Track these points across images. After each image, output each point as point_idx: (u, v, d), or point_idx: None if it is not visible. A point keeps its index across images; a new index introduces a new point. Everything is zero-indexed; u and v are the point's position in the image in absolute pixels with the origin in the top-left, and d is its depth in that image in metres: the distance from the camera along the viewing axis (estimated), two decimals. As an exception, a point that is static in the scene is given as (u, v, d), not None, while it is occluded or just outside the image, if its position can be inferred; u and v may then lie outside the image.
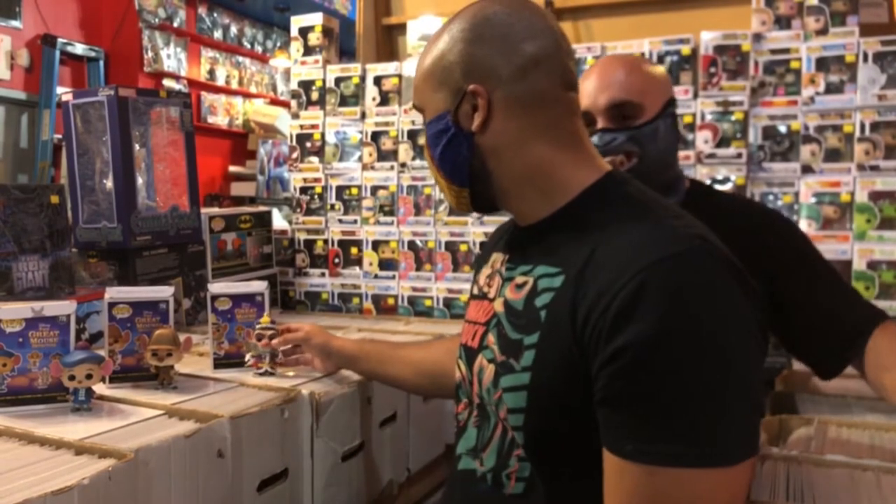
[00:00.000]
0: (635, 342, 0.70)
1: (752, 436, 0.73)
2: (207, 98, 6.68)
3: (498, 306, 0.91)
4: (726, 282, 0.74)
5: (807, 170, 1.88)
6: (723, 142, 1.94)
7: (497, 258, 0.99)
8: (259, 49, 7.36)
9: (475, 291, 1.02)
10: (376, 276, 2.32)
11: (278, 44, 7.48)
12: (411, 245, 2.27)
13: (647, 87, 1.29)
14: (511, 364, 0.84)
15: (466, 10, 0.92)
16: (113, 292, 1.40)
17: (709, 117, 1.96)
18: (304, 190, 2.43)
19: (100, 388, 1.29)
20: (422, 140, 2.25)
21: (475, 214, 2.12)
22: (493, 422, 0.90)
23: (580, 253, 0.81)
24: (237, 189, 6.60)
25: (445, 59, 0.91)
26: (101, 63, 5.82)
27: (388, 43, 2.75)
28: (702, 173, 1.96)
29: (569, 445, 0.81)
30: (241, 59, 7.14)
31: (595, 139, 1.30)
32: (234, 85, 7.02)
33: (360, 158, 2.36)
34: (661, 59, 2.02)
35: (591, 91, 1.31)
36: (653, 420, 0.71)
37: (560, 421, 0.81)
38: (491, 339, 0.90)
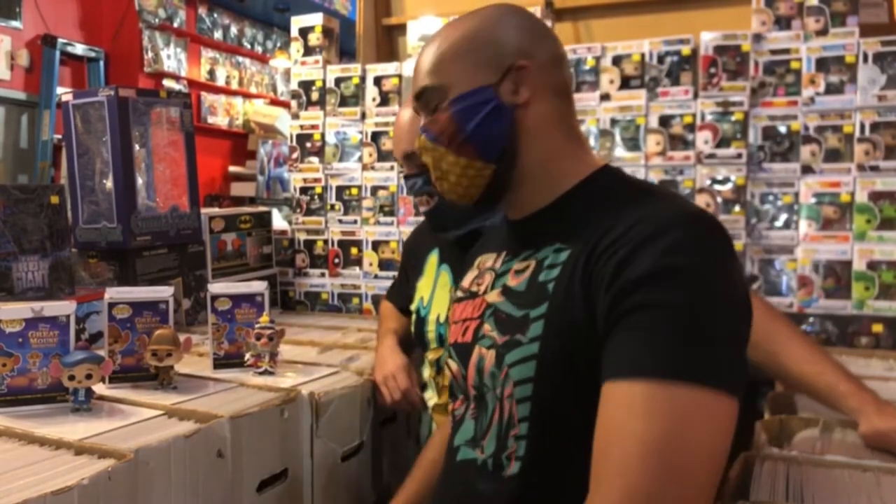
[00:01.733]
0: (651, 272, 0.76)
1: (744, 375, 0.77)
2: (207, 98, 6.67)
3: (492, 297, 0.95)
4: (725, 243, 0.82)
5: (807, 170, 1.88)
6: (723, 142, 1.94)
7: (487, 258, 1.03)
8: (259, 49, 7.36)
9: (459, 295, 1.05)
10: (376, 277, 2.32)
11: (278, 44, 7.48)
12: (411, 245, 2.27)
13: None
14: (517, 339, 0.87)
15: (489, 5, 0.98)
16: (113, 292, 1.40)
17: (709, 118, 1.96)
18: (304, 190, 2.43)
19: (100, 388, 1.30)
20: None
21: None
22: (491, 408, 0.91)
23: (586, 231, 0.86)
24: (237, 189, 6.60)
25: (489, 35, 0.94)
26: (101, 63, 5.82)
27: (389, 43, 2.75)
28: (702, 173, 1.96)
29: (575, 410, 0.83)
30: (241, 59, 7.14)
31: (406, 183, 1.55)
32: (235, 85, 7.02)
33: (360, 159, 2.36)
34: (661, 60, 2.02)
35: (394, 141, 1.55)
36: (667, 342, 0.74)
37: (568, 385, 0.83)
38: (487, 328, 0.93)
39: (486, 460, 0.90)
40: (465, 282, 1.05)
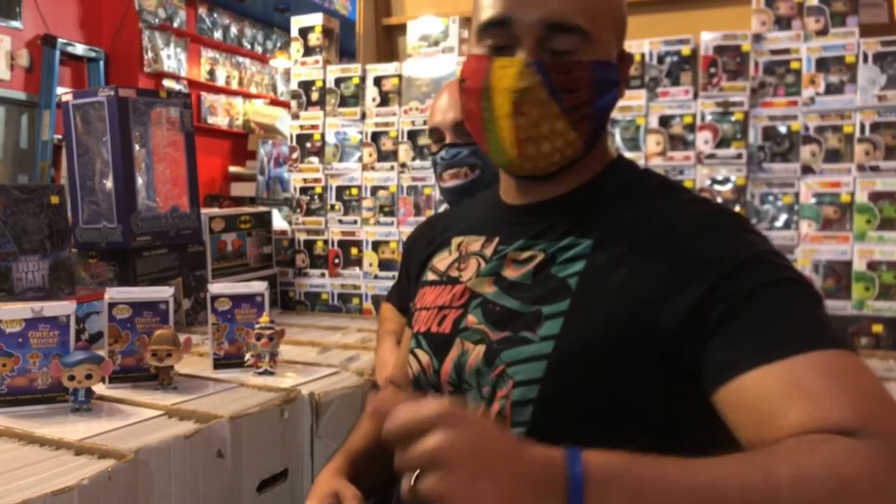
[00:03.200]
0: (744, 257, 0.72)
1: None
2: (207, 98, 6.67)
3: (481, 287, 0.86)
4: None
5: (807, 170, 1.88)
6: (723, 142, 1.94)
7: (470, 241, 0.93)
8: (259, 49, 7.36)
9: (432, 277, 0.95)
10: (376, 277, 2.32)
11: (278, 44, 7.48)
12: (411, 245, 2.27)
13: None
14: (523, 336, 0.78)
15: None
16: (113, 292, 1.40)
17: (709, 118, 1.96)
18: (304, 190, 2.43)
19: (100, 389, 1.29)
20: (423, 139, 2.25)
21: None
22: (471, 406, 0.83)
23: (607, 223, 0.81)
24: (237, 189, 6.60)
25: (621, 8, 0.84)
26: (101, 63, 5.81)
27: (389, 43, 2.75)
28: (702, 174, 1.96)
29: (583, 412, 0.76)
30: (241, 59, 7.14)
31: (443, 153, 1.48)
32: (235, 85, 7.02)
33: (360, 159, 2.36)
34: (661, 60, 2.02)
35: (441, 109, 1.49)
36: (811, 317, 0.69)
37: (584, 388, 0.76)
38: (472, 319, 0.85)
39: None
40: (440, 264, 0.95)
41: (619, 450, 0.72)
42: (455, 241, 0.95)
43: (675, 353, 0.72)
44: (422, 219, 2.25)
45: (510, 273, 0.84)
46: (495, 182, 1.01)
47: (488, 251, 0.89)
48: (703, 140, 1.96)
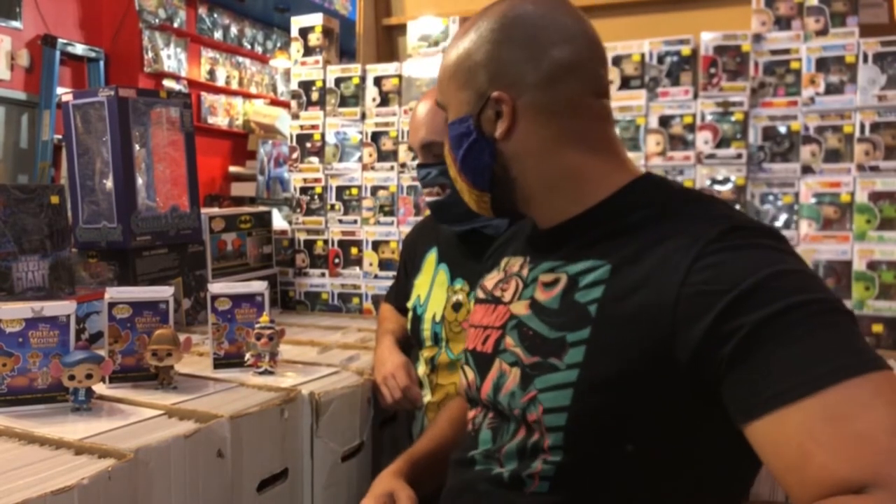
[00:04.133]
0: (757, 282, 0.70)
1: None
2: (207, 98, 6.67)
3: (518, 309, 0.90)
4: (784, 240, 0.79)
5: (807, 170, 1.88)
6: (723, 142, 1.94)
7: (514, 262, 0.98)
8: (259, 49, 7.36)
9: (481, 296, 1.01)
10: (376, 276, 2.32)
11: (278, 44, 7.48)
12: (411, 245, 2.27)
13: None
14: (551, 363, 0.81)
15: (497, 7, 0.90)
16: (113, 292, 1.40)
17: (709, 118, 1.96)
18: (304, 190, 2.43)
19: (100, 388, 1.30)
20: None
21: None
22: (513, 426, 0.86)
23: (627, 246, 0.81)
24: (237, 189, 6.60)
25: (471, 59, 0.89)
26: (102, 63, 5.81)
27: (389, 43, 2.75)
28: (702, 174, 1.96)
29: (611, 442, 0.78)
30: (241, 59, 7.14)
31: (418, 172, 1.52)
32: (235, 85, 7.02)
33: (361, 159, 2.36)
34: (661, 60, 2.02)
35: (413, 128, 1.52)
36: (826, 344, 0.67)
37: (610, 416, 0.78)
38: (509, 342, 0.88)
39: (503, 473, 0.85)
40: (489, 282, 1.00)
41: (648, 471, 0.76)
42: (503, 260, 1.01)
43: (694, 381, 0.73)
44: (420, 218, 2.25)
45: (541, 296, 0.87)
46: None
47: (525, 271, 0.94)
48: (703, 140, 1.96)
